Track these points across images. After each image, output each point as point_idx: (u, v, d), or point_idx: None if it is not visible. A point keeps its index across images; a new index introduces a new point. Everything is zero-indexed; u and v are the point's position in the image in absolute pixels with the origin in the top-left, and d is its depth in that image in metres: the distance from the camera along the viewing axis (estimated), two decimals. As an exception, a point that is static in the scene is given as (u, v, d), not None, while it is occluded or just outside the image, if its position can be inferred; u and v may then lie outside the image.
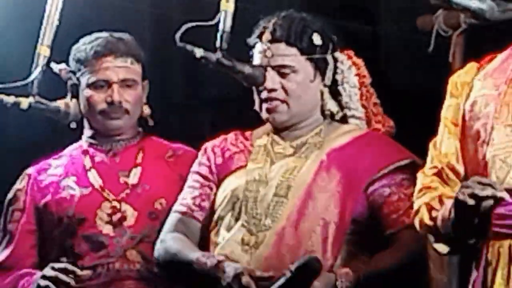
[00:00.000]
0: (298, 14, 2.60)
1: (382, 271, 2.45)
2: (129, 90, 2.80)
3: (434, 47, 3.33)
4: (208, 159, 2.65)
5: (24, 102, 2.72)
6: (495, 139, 2.29)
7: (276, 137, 2.60)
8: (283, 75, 2.53)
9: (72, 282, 2.62)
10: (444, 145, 2.38)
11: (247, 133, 2.68)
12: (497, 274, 2.25)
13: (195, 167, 2.67)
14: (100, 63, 2.79)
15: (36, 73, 2.71)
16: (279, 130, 2.60)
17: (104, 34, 2.84)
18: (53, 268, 2.64)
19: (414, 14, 3.60)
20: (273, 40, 2.54)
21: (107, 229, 2.77)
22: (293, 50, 2.53)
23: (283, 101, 2.54)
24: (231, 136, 2.67)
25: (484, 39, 3.22)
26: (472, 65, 2.44)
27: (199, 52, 2.51)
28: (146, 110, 2.90)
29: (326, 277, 2.35)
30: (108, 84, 2.78)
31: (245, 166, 2.59)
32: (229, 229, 2.55)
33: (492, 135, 2.29)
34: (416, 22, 3.57)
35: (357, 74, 2.64)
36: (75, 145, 2.93)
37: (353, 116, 2.61)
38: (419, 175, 2.37)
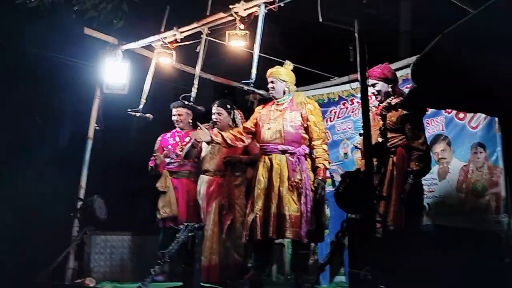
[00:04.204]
0: (225, 100, 7.41)
1: None
2: (178, 117, 7.87)
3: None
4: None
5: (150, 116, 7.87)
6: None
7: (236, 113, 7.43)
8: (219, 115, 7.22)
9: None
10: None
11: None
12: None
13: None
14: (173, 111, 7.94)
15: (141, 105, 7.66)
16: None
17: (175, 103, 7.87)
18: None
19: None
20: (218, 106, 7.27)
21: (179, 152, 7.76)
22: (222, 109, 7.27)
23: (218, 121, 7.21)
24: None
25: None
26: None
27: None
28: (190, 120, 7.86)
29: None
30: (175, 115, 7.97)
31: None
32: None
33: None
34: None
35: (240, 115, 7.34)
36: (175, 129, 7.96)
37: (239, 124, 7.28)
38: None
